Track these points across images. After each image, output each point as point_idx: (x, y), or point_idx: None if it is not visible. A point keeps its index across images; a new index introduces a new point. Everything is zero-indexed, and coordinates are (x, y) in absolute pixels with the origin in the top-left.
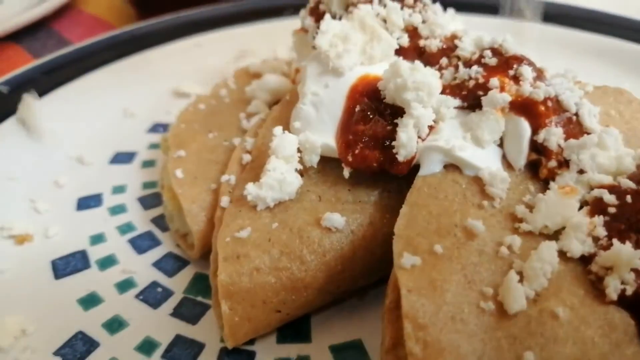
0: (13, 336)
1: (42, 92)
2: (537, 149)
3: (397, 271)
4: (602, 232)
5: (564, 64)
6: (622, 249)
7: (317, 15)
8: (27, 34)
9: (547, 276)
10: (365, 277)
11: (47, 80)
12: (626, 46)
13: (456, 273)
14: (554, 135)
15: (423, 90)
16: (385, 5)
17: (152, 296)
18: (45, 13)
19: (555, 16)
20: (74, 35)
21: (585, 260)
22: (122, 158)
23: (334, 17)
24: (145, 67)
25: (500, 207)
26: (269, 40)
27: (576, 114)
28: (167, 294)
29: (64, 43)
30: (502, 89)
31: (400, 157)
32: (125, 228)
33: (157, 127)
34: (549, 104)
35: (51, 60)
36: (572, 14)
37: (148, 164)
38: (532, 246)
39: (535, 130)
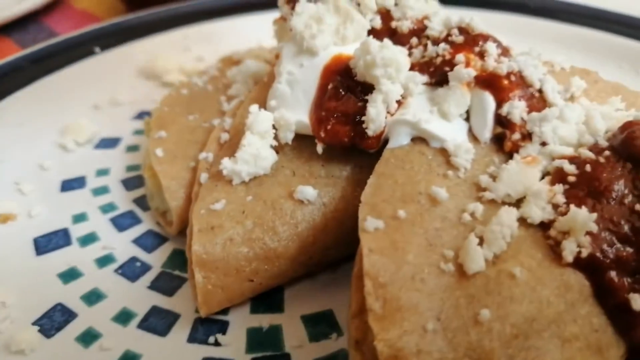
0: None
1: (29, 80)
2: (502, 122)
3: (361, 234)
4: (561, 199)
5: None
6: (579, 213)
7: (293, 3)
8: (18, 28)
9: (507, 239)
10: (336, 249)
11: (35, 68)
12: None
13: (418, 236)
14: (516, 108)
15: (391, 66)
16: None
17: (131, 270)
18: (36, 7)
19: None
20: (64, 29)
21: (545, 226)
22: (107, 143)
23: (309, 0)
24: (132, 58)
25: (464, 177)
26: (253, 33)
27: (540, 90)
28: (146, 268)
29: (54, 37)
30: (467, 65)
31: (370, 132)
32: (107, 208)
33: (142, 115)
34: (512, 78)
35: (40, 49)
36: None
37: (132, 148)
38: (494, 213)
39: (499, 104)
